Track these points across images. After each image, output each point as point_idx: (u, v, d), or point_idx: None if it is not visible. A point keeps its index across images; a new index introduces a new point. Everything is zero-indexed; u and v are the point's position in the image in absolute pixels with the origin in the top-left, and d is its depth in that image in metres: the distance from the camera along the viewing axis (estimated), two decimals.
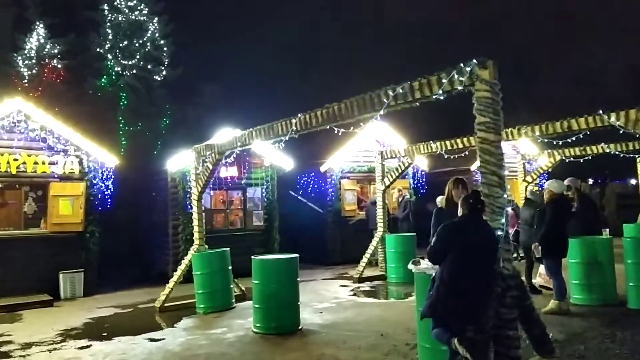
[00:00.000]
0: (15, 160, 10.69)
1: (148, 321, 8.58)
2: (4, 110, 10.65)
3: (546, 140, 10.50)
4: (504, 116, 4.64)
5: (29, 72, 21.33)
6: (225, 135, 11.01)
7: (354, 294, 10.28)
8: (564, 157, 12.66)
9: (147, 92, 22.45)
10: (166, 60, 23.25)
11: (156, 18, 22.97)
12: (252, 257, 7.73)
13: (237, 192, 13.71)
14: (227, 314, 8.77)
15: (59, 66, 21.73)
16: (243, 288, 9.86)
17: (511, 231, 12.40)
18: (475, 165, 15.65)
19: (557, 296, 7.63)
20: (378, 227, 12.32)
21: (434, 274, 4.47)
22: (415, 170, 16.36)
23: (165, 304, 9.35)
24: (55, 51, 21.72)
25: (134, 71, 22.39)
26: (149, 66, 22.76)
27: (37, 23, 21.60)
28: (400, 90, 5.37)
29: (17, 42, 21.45)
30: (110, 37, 22.23)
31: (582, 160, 12.25)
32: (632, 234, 11.55)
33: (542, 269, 8.95)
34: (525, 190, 14.75)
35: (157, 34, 22.95)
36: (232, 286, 9.51)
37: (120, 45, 22.28)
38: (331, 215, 15.00)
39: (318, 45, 31.58)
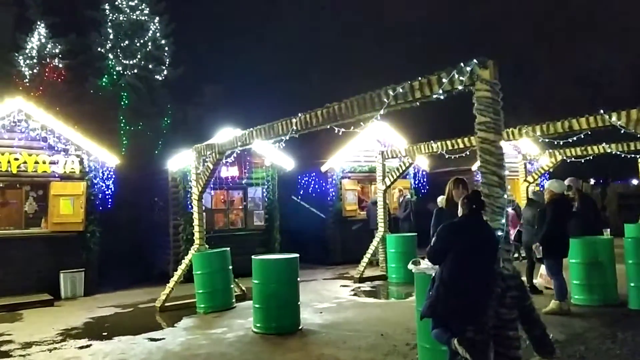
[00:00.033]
0: (16, 159, 10.70)
1: (148, 321, 8.58)
2: (5, 110, 10.66)
3: (547, 140, 10.49)
4: (504, 116, 4.63)
5: (30, 72, 21.37)
6: (225, 135, 11.01)
7: (355, 294, 10.27)
8: (565, 157, 12.64)
9: (148, 91, 22.49)
10: (167, 60, 23.29)
11: (157, 18, 23.02)
12: (252, 257, 7.72)
13: (237, 191, 13.72)
14: (227, 314, 8.77)
15: (60, 66, 21.77)
16: (244, 288, 9.85)
17: (513, 231, 12.38)
18: (476, 165, 15.64)
19: (558, 296, 7.61)
20: (379, 227, 12.31)
21: (433, 274, 4.46)
22: (416, 170, 16.35)
23: (166, 304, 9.35)
24: (57, 51, 21.76)
25: (135, 71, 22.43)
26: (150, 66, 22.80)
27: (38, 22, 21.64)
28: (401, 90, 5.36)
29: (18, 41, 21.49)
30: (111, 36, 22.27)
31: (583, 161, 12.23)
32: (633, 234, 11.52)
33: (543, 269, 8.94)
34: (527, 190, 14.77)
35: (158, 34, 23.00)
36: (232, 286, 9.51)
37: (122, 44, 22.32)
38: (332, 215, 14.99)
39: (318, 45, 31.60)
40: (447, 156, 11.78)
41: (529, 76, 29.89)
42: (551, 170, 13.90)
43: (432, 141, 11.14)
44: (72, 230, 11.14)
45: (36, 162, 10.90)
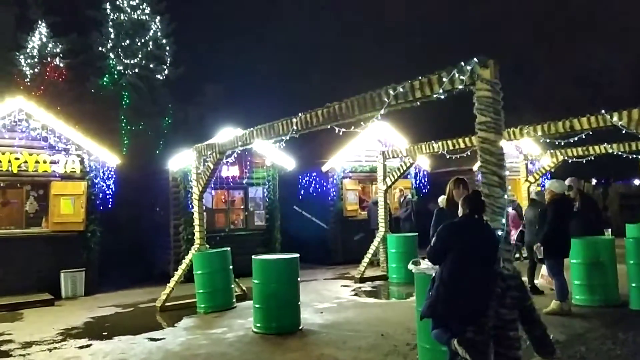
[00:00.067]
0: (17, 159, 10.70)
1: (149, 320, 8.58)
2: (6, 109, 10.66)
3: (548, 140, 10.47)
4: (505, 116, 4.62)
5: (31, 71, 21.40)
6: (226, 134, 11.00)
7: (355, 294, 10.26)
8: (566, 157, 12.63)
9: (149, 91, 22.52)
10: (168, 59, 23.32)
11: (158, 17, 23.04)
12: (253, 256, 7.72)
13: (238, 191, 13.71)
14: (227, 314, 8.76)
15: (61, 65, 21.81)
16: (244, 288, 9.84)
17: (515, 232, 12.37)
18: (477, 165, 15.63)
19: (559, 297, 7.59)
20: (380, 227, 12.30)
21: (434, 274, 4.45)
22: (417, 170, 16.33)
23: (166, 304, 9.35)
24: (58, 50, 21.79)
25: (136, 70, 22.46)
26: (151, 65, 22.83)
27: (40, 22, 21.68)
28: (401, 90, 5.35)
29: (20, 41, 21.52)
30: (112, 36, 22.30)
31: (584, 161, 12.21)
32: (635, 234, 11.49)
33: (544, 269, 8.91)
34: (528, 190, 14.75)
35: (159, 33, 23.02)
36: (233, 286, 9.50)
37: (123, 44, 22.34)
38: (333, 215, 14.98)
39: (319, 44, 31.63)
40: (448, 156, 11.77)
41: (529, 76, 29.90)
42: (552, 170, 13.88)
43: (433, 141, 11.13)
44: (72, 229, 11.14)
45: (37, 162, 10.90)
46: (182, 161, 12.23)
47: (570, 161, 12.67)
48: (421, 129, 19.27)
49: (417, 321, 5.18)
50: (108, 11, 22.29)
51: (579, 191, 9.52)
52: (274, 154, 13.54)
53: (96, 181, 11.61)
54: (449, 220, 4.74)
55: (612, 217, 18.87)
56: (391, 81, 5.49)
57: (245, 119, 12.29)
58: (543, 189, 11.93)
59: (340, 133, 6.85)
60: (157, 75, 22.94)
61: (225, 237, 12.59)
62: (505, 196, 4.48)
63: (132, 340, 7.29)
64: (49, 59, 21.60)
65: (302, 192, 15.64)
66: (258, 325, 7.45)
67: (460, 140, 10.48)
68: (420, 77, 5.15)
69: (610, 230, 9.29)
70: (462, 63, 4.65)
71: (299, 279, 7.71)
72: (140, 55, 22.48)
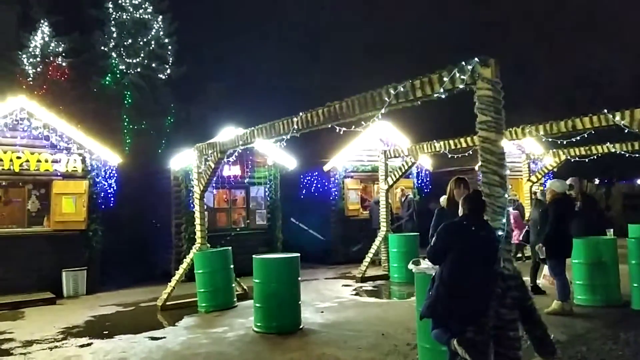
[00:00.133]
0: (19, 158, 10.71)
1: (149, 319, 8.58)
2: (7, 108, 10.66)
3: (551, 139, 10.44)
4: (507, 115, 4.60)
5: (34, 71, 21.41)
6: (228, 134, 10.99)
7: (356, 294, 10.25)
8: (569, 157, 12.59)
9: (151, 90, 22.53)
10: (170, 58, 23.33)
11: (160, 16, 23.04)
12: (253, 256, 7.71)
13: (240, 191, 13.71)
14: (228, 313, 8.75)
15: (64, 64, 21.81)
16: (245, 287, 9.84)
17: (517, 232, 12.32)
18: (479, 165, 15.61)
19: (560, 297, 7.57)
20: (381, 226, 12.28)
21: (434, 274, 4.43)
22: (419, 170, 16.31)
23: (167, 303, 9.35)
24: (60, 49, 21.80)
25: (138, 70, 22.47)
26: (153, 65, 22.84)
27: (42, 21, 21.68)
28: (402, 89, 5.33)
29: (22, 40, 21.52)
30: (114, 35, 22.31)
31: (587, 160, 12.18)
32: (637, 234, 11.45)
33: (546, 269, 8.89)
34: (530, 189, 14.72)
35: (161, 33, 23.03)
36: (233, 285, 9.50)
37: (125, 43, 22.36)
38: (334, 215, 14.96)
39: (320, 44, 31.63)
40: (450, 156, 11.74)
41: (529, 76, 29.87)
42: (555, 169, 13.84)
43: (434, 140, 11.11)
44: (74, 228, 11.15)
45: (38, 161, 10.91)
46: (183, 160, 12.23)
47: (573, 161, 12.64)
48: (423, 128, 19.25)
49: (417, 321, 5.17)
50: (110, 10, 22.30)
51: (581, 191, 9.48)
52: (276, 154, 13.53)
53: (98, 180, 11.61)
54: (449, 219, 4.72)
55: (615, 217, 18.80)
56: (392, 81, 5.48)
57: (247, 119, 12.28)
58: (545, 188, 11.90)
59: (341, 132, 6.84)
60: (159, 75, 22.95)
61: (230, 237, 12.59)
62: (506, 196, 4.46)
63: (133, 339, 7.29)
64: (51, 58, 21.60)
65: (303, 192, 15.63)
66: (258, 324, 7.45)
67: (462, 139, 10.46)
68: (421, 77, 5.14)
69: (612, 230, 9.25)
70: (463, 62, 4.64)
71: (299, 279, 7.71)
72: (142, 55, 22.50)
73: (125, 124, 22.10)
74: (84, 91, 21.80)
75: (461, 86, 4.72)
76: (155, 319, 8.63)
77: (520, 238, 11.22)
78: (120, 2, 22.36)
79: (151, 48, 22.72)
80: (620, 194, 21.15)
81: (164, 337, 7.33)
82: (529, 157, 15.27)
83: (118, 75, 22.42)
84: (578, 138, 9.23)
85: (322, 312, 8.55)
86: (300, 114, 6.81)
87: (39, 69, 21.46)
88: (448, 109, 13.89)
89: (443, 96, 5.03)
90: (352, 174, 15.23)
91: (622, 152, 11.00)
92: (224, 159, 9.28)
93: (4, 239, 10.57)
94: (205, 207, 10.36)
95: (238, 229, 13.29)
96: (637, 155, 11.24)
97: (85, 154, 11.44)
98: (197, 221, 9.71)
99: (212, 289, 9.07)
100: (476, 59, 4.56)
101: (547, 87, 30.72)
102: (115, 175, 12.03)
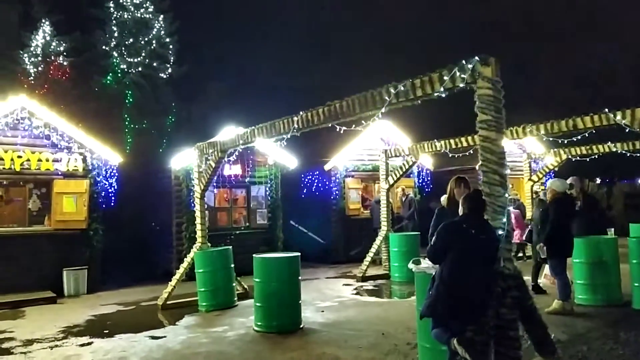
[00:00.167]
0: (19, 157, 10.71)
1: (150, 319, 8.58)
2: (8, 107, 10.67)
3: (551, 139, 10.42)
4: (508, 115, 4.59)
5: (35, 70, 21.43)
6: (229, 133, 11.00)
7: (357, 293, 10.24)
8: (570, 156, 12.57)
9: (152, 90, 22.53)
10: (171, 58, 23.33)
11: (162, 16, 23.06)
12: (254, 255, 7.71)
13: (240, 190, 13.71)
14: (229, 312, 8.75)
15: (65, 64, 21.83)
16: (246, 286, 9.83)
17: (518, 232, 12.31)
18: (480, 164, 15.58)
19: (561, 296, 7.56)
20: (382, 226, 12.28)
21: (434, 274, 4.43)
22: (420, 169, 16.30)
23: (168, 302, 9.36)
24: (61, 49, 21.83)
25: (140, 69, 22.48)
26: (155, 64, 22.85)
27: (43, 20, 21.70)
28: (402, 88, 5.32)
29: (23, 39, 21.54)
30: (115, 34, 22.33)
31: (588, 160, 12.16)
32: (638, 233, 11.44)
33: (547, 269, 8.87)
34: (531, 189, 14.71)
35: (162, 32, 23.04)
36: (234, 284, 9.50)
37: (126, 42, 22.37)
38: (335, 214, 14.96)
39: (321, 43, 31.63)
40: (450, 155, 11.72)
41: (529, 76, 29.85)
42: (556, 169, 13.83)
43: (435, 140, 11.09)
44: (75, 228, 11.15)
45: (39, 160, 10.91)
46: (184, 160, 12.23)
47: (574, 160, 12.62)
48: (423, 127, 19.23)
49: (417, 320, 5.16)
50: (111, 9, 22.33)
51: (581, 190, 9.47)
52: (277, 153, 13.53)
53: (99, 179, 11.61)
54: (450, 219, 4.71)
55: (616, 217, 18.78)
56: (392, 80, 5.46)
57: (248, 118, 12.28)
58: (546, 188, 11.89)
59: (342, 132, 6.83)
60: (160, 74, 22.97)
61: (228, 235, 12.59)
62: (506, 195, 4.45)
63: (133, 338, 7.29)
64: (52, 58, 21.63)
65: (304, 191, 15.62)
66: (259, 323, 7.44)
67: (462, 139, 10.45)
68: (421, 76, 5.13)
69: (613, 229, 9.24)
70: (464, 61, 4.63)
71: (300, 278, 7.71)
72: (143, 54, 22.51)
73: (126, 123, 22.12)
74: (85, 90, 21.82)
75: (461, 85, 4.71)
76: (156, 318, 8.63)
77: (524, 238, 11.21)
78: (121, 1, 22.39)
79: (152, 47, 22.73)
80: (622, 194, 21.10)
81: (165, 336, 7.33)
82: (530, 156, 15.26)
83: (119, 75, 22.43)
84: (579, 137, 9.22)
85: (323, 311, 8.55)
86: (301, 113, 6.80)
87: (40, 68, 21.49)
88: (449, 108, 13.87)
89: (443, 95, 5.02)
90: (353, 173, 15.22)
91: (623, 152, 10.98)
92: (225, 158, 9.28)
93: (4, 238, 10.57)
94: (206, 206, 10.36)
95: (242, 228, 13.30)
96: (638, 154, 11.23)
97: (86, 153, 11.44)
98: (198, 220, 9.71)
99: (213, 288, 9.07)
100: (476, 57, 4.55)
101: (548, 86, 30.71)
102: (116, 174, 12.03)
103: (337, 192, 14.97)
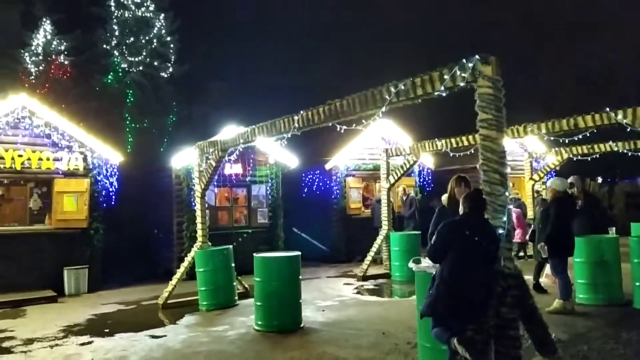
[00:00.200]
0: (20, 156, 10.71)
1: (151, 318, 8.58)
2: (9, 106, 10.66)
3: (553, 138, 10.40)
4: (508, 114, 4.57)
5: (36, 69, 21.42)
6: (230, 132, 11.01)
7: (358, 292, 10.23)
8: (571, 155, 12.55)
9: (153, 89, 22.50)
10: (172, 57, 23.29)
11: (162, 14, 23.01)
12: (254, 254, 7.70)
13: (241, 189, 13.70)
14: (229, 312, 8.75)
15: (66, 63, 21.81)
16: (246, 285, 9.83)
17: (519, 231, 12.30)
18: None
19: (562, 295, 7.54)
20: (383, 225, 12.26)
21: (434, 273, 4.42)
22: (421, 168, 16.28)
23: (169, 301, 9.36)
24: (62, 48, 21.80)
25: (141, 68, 22.45)
26: (156, 63, 22.81)
27: (44, 19, 21.68)
28: (402, 87, 5.31)
29: (24, 38, 21.53)
30: (116, 33, 22.30)
31: (589, 159, 12.14)
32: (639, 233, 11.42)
33: (548, 268, 8.86)
34: (532, 188, 14.70)
35: (163, 31, 22.99)
36: (235, 283, 9.49)
37: (127, 41, 22.34)
38: (336, 214, 14.95)
39: (321, 43, 31.61)
40: (451, 154, 11.71)
41: (530, 75, 29.83)
42: (557, 168, 13.80)
43: (436, 139, 11.07)
44: (76, 227, 11.16)
45: (40, 159, 10.91)
46: (185, 159, 12.24)
47: (575, 159, 12.60)
48: (424, 126, 19.18)
49: (417, 320, 5.15)
50: (112, 8, 22.29)
51: (582, 189, 9.45)
52: (277, 152, 13.52)
53: (99, 178, 11.61)
54: (450, 218, 4.70)
55: (617, 216, 18.76)
56: (392, 79, 5.45)
57: (249, 117, 12.27)
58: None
59: (342, 131, 6.83)
60: (161, 73, 22.93)
61: (229, 234, 12.58)
62: (507, 194, 4.44)
63: (134, 337, 7.29)
64: (53, 57, 21.60)
65: (305, 190, 15.62)
66: (259, 323, 7.44)
67: (463, 138, 10.43)
68: (421, 74, 5.12)
69: (614, 228, 9.22)
70: (464, 60, 4.62)
71: (300, 277, 7.71)
72: (144, 53, 22.48)
73: (127, 122, 22.11)
74: (86, 89, 21.80)
75: (462, 84, 4.70)
76: (157, 318, 8.63)
77: (527, 237, 11.21)
78: (122, 0, 22.34)
79: (153, 46, 22.70)
80: (623, 193, 21.09)
81: (165, 336, 7.33)
82: (531, 155, 15.24)
83: (120, 74, 22.41)
84: (580, 136, 9.20)
85: (323, 310, 8.54)
86: (301, 112, 6.80)
87: (41, 67, 21.47)
88: (450, 107, 13.84)
89: (444, 94, 5.01)
90: (354, 173, 15.22)
91: (625, 151, 10.96)
92: (225, 157, 9.28)
93: (5, 237, 10.58)
94: (207, 205, 10.36)
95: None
96: (639, 153, 11.21)
97: (86, 152, 11.44)
98: (199, 220, 9.72)
99: (213, 287, 9.07)
100: (477, 56, 4.54)
101: (548, 86, 30.70)
102: (117, 173, 12.02)
103: (338, 191, 14.96)
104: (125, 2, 22.31)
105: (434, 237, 4.48)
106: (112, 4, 22.24)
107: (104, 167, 11.72)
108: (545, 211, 8.03)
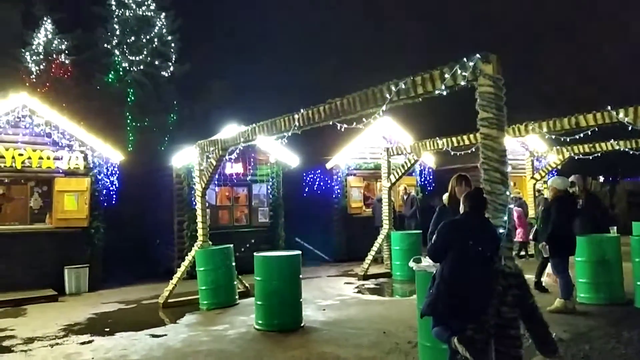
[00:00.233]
0: (21, 155, 10.71)
1: (151, 317, 8.57)
2: (9, 105, 10.66)
3: (554, 137, 10.37)
4: (510, 114, 4.55)
5: (37, 68, 21.43)
6: (230, 131, 10.98)
7: (359, 291, 10.22)
8: (572, 154, 12.52)
9: (154, 88, 22.48)
10: (173, 56, 23.26)
11: (163, 13, 22.98)
12: (255, 253, 7.69)
13: (242, 188, 13.69)
14: (230, 311, 8.74)
15: (67, 62, 21.82)
16: (247, 285, 9.83)
17: (520, 230, 12.29)
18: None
19: (563, 295, 7.53)
20: (384, 224, 12.25)
21: (434, 272, 4.40)
22: (422, 167, 16.26)
23: (169, 300, 9.35)
24: (63, 47, 21.81)
25: (141, 67, 22.42)
26: (156, 62, 22.79)
27: (45, 19, 21.68)
28: (403, 86, 5.29)
29: (25, 37, 21.54)
30: (117, 32, 22.27)
31: (591, 158, 12.12)
32: None
33: (549, 268, 8.84)
34: (534, 187, 14.67)
35: (164, 30, 22.96)
36: (235, 283, 9.48)
37: (128, 40, 22.31)
38: (337, 213, 14.93)
39: (321, 43, 31.61)
40: (452, 153, 11.69)
41: (531, 74, 29.81)
42: (559, 167, 13.78)
43: (437, 138, 11.05)
44: (76, 226, 11.15)
45: (40, 158, 10.91)
46: (185, 158, 12.23)
47: (577, 158, 12.58)
48: (425, 125, 19.15)
49: (418, 319, 5.14)
50: (113, 7, 22.26)
51: (584, 188, 9.43)
52: (278, 151, 13.50)
53: (100, 177, 11.61)
54: (450, 217, 4.69)
55: (619, 215, 18.74)
56: (392, 78, 5.43)
57: (250, 116, 12.21)
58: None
59: (342, 129, 6.81)
60: (162, 72, 22.90)
61: (229, 233, 12.57)
62: (507, 193, 4.42)
63: (134, 336, 7.29)
64: (54, 56, 21.61)
65: (306, 190, 15.61)
66: (260, 322, 7.43)
67: (464, 137, 10.41)
68: (422, 73, 5.10)
69: (615, 228, 9.20)
70: (465, 59, 4.60)
71: (301, 276, 7.70)
72: (145, 52, 22.45)
73: (128, 121, 22.09)
74: (87, 88, 21.79)
75: (462, 83, 4.68)
76: (157, 317, 8.62)
77: (530, 237, 11.20)
78: None
79: (154, 45, 22.67)
80: (625, 192, 21.06)
81: (165, 335, 7.32)
82: (533, 154, 15.20)
83: (121, 73, 22.39)
84: (582, 135, 9.18)
85: (324, 309, 8.53)
86: (302, 110, 6.78)
87: (42, 67, 21.48)
88: (451, 106, 13.81)
89: (444, 93, 4.99)
90: (355, 172, 15.20)
91: (627, 150, 10.94)
92: (226, 156, 9.26)
93: (6, 236, 10.58)
94: (207, 204, 10.35)
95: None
96: None
97: (87, 151, 11.43)
98: (199, 219, 9.71)
99: (214, 286, 9.06)
100: (477, 55, 4.52)
101: (550, 84, 30.68)
102: (118, 172, 12.02)
103: (339, 190, 14.95)
104: (126, 1, 22.29)
105: (434, 236, 4.46)
106: (113, 3, 22.22)
107: (105, 166, 11.72)
108: (546, 210, 8.01)
